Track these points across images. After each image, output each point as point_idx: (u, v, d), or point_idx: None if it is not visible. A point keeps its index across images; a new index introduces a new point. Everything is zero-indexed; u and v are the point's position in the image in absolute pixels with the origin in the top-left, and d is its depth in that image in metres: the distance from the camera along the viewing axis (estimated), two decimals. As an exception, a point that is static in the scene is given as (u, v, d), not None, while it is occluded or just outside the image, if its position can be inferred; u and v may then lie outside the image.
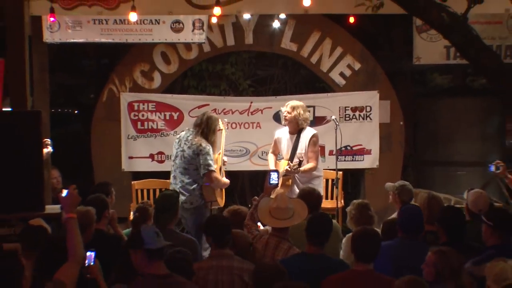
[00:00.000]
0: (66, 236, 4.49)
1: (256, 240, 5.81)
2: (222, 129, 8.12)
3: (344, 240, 6.18)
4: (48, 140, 7.86)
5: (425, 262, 4.63)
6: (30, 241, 5.23)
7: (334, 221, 6.79)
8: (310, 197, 6.41)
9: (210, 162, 7.43)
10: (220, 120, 8.07)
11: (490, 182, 9.37)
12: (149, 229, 4.64)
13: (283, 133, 8.20)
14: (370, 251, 4.80)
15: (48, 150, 7.77)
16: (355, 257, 4.85)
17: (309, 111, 8.19)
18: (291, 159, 7.90)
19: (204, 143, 7.47)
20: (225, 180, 7.84)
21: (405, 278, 4.02)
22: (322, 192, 8.35)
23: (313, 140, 7.97)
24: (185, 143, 7.60)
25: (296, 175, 7.80)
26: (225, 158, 8.18)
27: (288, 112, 7.96)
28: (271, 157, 8.36)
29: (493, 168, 7.22)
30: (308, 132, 8.02)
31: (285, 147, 8.10)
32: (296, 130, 8.01)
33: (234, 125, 8.40)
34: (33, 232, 5.39)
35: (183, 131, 8.00)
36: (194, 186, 7.55)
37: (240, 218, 6.24)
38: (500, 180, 8.65)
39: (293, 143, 8.00)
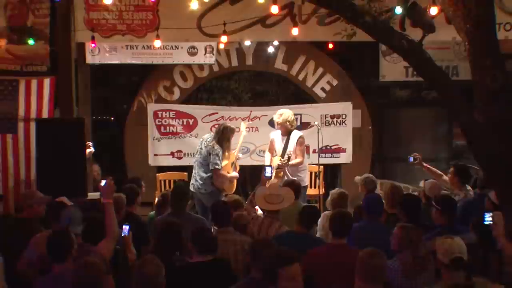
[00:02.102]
0: (105, 217, 4.49)
1: (253, 220, 5.83)
2: (242, 131, 8.19)
3: (320, 218, 6.19)
4: (90, 142, 7.87)
5: (392, 235, 4.64)
6: (53, 214, 5.21)
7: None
8: (291, 186, 6.42)
9: (217, 161, 7.50)
10: (242, 123, 8.45)
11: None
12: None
13: (276, 135, 8.22)
14: (343, 229, 4.81)
15: (90, 150, 7.78)
16: (332, 233, 4.85)
17: (295, 117, 8.23)
18: (282, 155, 7.91)
19: (216, 146, 7.56)
20: (232, 174, 7.85)
21: (367, 249, 4.01)
22: (307, 182, 8.39)
23: (300, 140, 7.98)
24: (204, 143, 7.74)
25: (286, 168, 7.81)
26: (240, 154, 8.24)
27: (277, 119, 8.00)
28: (267, 155, 8.37)
29: (411, 159, 7.26)
30: (296, 134, 8.04)
31: (278, 146, 8.11)
32: (287, 132, 8.02)
33: (237, 129, 8.43)
34: (55, 207, 5.35)
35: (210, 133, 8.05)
36: (206, 176, 7.61)
37: (234, 203, 6.28)
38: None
39: (284, 143, 8.01)
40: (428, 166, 7.30)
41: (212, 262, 4.55)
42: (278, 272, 3.16)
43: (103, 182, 4.71)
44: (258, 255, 4.09)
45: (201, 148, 7.75)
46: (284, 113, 8.00)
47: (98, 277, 3.72)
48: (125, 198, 5.87)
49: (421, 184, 6.69)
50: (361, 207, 5.77)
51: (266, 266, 3.21)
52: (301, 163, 7.94)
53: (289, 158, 7.66)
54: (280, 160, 7.74)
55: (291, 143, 7.97)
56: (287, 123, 7.96)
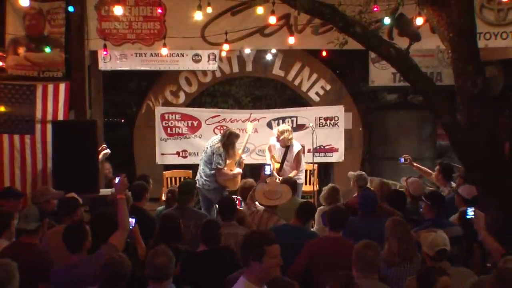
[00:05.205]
0: (117, 211, 4.47)
1: (253, 214, 5.81)
2: (248, 131, 8.17)
3: (316, 213, 6.17)
4: (105, 145, 7.85)
5: None
6: (65, 209, 5.19)
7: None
8: (289, 183, 6.43)
9: (220, 161, 7.51)
10: (249, 124, 8.46)
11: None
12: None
13: (275, 142, 8.23)
14: (340, 223, 4.80)
15: (106, 151, 7.75)
16: (329, 227, 4.83)
17: (291, 119, 8.26)
18: (281, 164, 8.03)
19: (220, 148, 7.56)
20: (235, 171, 7.82)
21: (361, 242, 4.01)
22: (303, 180, 8.38)
23: (298, 154, 8.07)
24: (210, 143, 7.74)
25: (284, 166, 7.86)
26: (244, 156, 8.19)
27: (278, 136, 8.06)
28: (268, 154, 8.37)
29: (402, 160, 7.31)
30: (295, 147, 8.11)
31: (278, 154, 8.17)
32: (285, 146, 8.05)
33: (238, 130, 8.43)
34: (66, 202, 5.33)
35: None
36: (210, 173, 7.61)
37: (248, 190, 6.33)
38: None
39: (283, 154, 8.09)
40: (418, 165, 7.33)
41: (214, 251, 4.58)
42: (265, 249, 3.19)
43: (116, 179, 4.68)
44: None
45: (207, 148, 7.76)
46: (284, 131, 8.04)
47: (124, 272, 3.72)
48: (130, 194, 5.82)
49: (402, 181, 6.66)
50: (355, 203, 5.74)
51: (254, 245, 3.24)
52: (296, 174, 8.01)
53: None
54: (278, 178, 7.78)
55: (289, 155, 8.07)
56: (286, 140, 8.04)
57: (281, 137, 7.98)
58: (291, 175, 7.82)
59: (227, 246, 4.82)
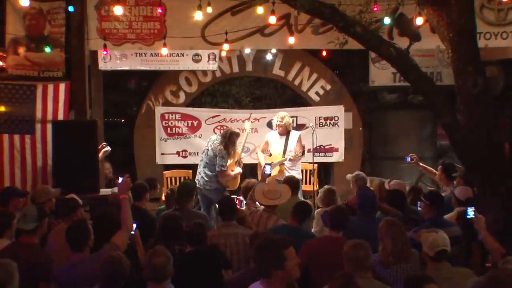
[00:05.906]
0: (120, 211, 4.47)
1: (253, 214, 5.81)
2: (246, 129, 8.17)
3: (315, 214, 6.16)
4: (105, 143, 7.85)
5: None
6: (64, 209, 5.20)
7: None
8: (290, 182, 6.44)
9: (223, 163, 7.50)
10: (246, 122, 8.40)
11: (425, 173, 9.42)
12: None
13: (272, 136, 8.25)
14: (341, 223, 4.79)
15: (106, 149, 7.75)
16: (330, 227, 4.82)
17: (291, 119, 8.28)
18: (283, 153, 8.00)
19: (223, 150, 7.54)
20: (236, 171, 7.80)
21: (350, 242, 3.97)
22: (300, 176, 8.35)
23: (299, 138, 8.11)
24: (211, 145, 7.69)
25: (285, 162, 7.93)
26: (243, 154, 8.19)
27: (280, 121, 8.05)
28: (261, 154, 8.36)
29: (408, 159, 7.31)
30: (295, 134, 8.13)
31: (277, 145, 8.13)
32: (285, 133, 8.05)
33: (238, 130, 8.42)
34: (65, 203, 5.33)
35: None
36: (212, 175, 7.59)
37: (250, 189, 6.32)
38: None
39: (284, 142, 8.07)
40: (423, 165, 7.34)
41: (200, 251, 4.57)
42: (284, 254, 3.19)
43: (120, 179, 4.67)
44: None
45: (208, 149, 7.70)
46: (285, 116, 8.11)
47: (123, 270, 3.72)
48: (130, 194, 5.79)
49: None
50: (354, 203, 5.73)
51: (273, 253, 3.22)
52: (301, 153, 8.06)
53: (303, 153, 7.96)
54: (292, 156, 7.87)
55: (291, 141, 8.06)
56: (288, 125, 8.08)
57: (283, 122, 8.02)
58: (297, 153, 7.89)
59: (215, 245, 4.81)
